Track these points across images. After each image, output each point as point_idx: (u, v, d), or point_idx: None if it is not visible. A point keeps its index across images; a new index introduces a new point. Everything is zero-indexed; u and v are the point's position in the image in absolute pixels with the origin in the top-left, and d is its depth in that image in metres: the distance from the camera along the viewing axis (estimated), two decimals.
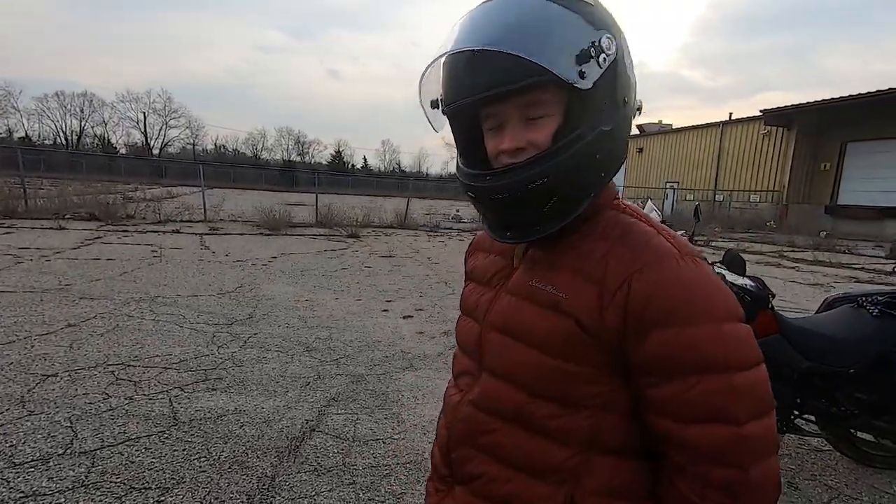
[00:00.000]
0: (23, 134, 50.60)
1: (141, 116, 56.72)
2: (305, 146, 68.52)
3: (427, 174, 66.76)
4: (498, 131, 0.62)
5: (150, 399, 2.65)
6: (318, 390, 2.93)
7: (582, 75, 0.56)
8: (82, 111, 54.57)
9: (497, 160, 0.63)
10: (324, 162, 67.75)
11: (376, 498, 1.95)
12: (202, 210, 13.03)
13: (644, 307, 0.57)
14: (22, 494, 1.81)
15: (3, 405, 2.45)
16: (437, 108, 0.67)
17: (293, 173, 43.84)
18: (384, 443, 2.38)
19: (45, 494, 1.82)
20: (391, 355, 3.63)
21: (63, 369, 2.94)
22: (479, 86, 0.59)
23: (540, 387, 0.63)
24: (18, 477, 1.90)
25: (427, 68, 0.64)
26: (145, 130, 57.34)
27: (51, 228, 9.21)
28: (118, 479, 1.94)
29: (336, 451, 2.27)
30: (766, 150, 20.37)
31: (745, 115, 21.81)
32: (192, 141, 60.38)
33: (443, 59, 0.62)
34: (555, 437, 0.62)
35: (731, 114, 27.70)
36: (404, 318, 4.70)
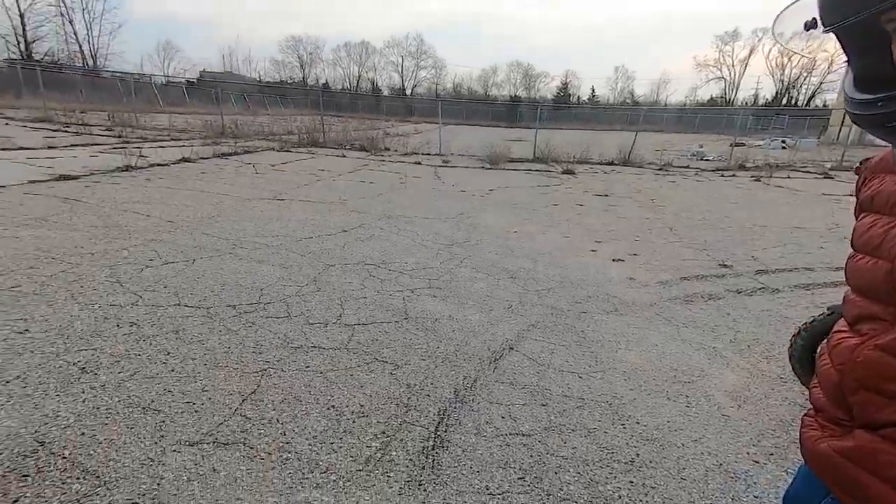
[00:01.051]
0: (324, 80, 64.16)
1: (399, 59, 65.08)
2: (532, 79, 67.50)
3: (666, 104, 58.14)
4: None
5: (390, 295, 3.20)
6: (518, 314, 3.03)
7: None
8: (360, 58, 65.57)
9: None
10: (549, 96, 65.82)
11: (567, 425, 1.94)
12: (438, 144, 14.44)
13: None
14: (312, 345, 2.45)
15: (304, 281, 3.32)
16: (814, 27, 0.57)
17: (518, 108, 44.04)
18: (579, 376, 2.33)
19: (324, 348, 2.42)
20: (594, 296, 3.46)
21: (338, 262, 3.78)
22: None
23: None
24: (311, 332, 2.58)
25: None
26: (402, 72, 65.64)
27: (336, 156, 11.66)
28: (367, 350, 2.43)
29: (531, 372, 2.34)
30: None
31: None
32: (435, 81, 66.52)
33: None
34: None
35: None
36: (614, 261, 4.37)
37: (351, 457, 1.65)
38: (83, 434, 1.66)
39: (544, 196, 7.82)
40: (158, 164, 7.57)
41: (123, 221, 4.35)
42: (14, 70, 19.83)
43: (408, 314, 2.91)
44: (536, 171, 11.15)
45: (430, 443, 1.76)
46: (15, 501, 1.36)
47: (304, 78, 61.59)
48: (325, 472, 1.56)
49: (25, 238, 3.65)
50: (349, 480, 1.55)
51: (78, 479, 1.46)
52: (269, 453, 1.63)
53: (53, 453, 1.56)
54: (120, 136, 10.84)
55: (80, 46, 39.39)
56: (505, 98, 63.56)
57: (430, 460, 1.67)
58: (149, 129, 13.10)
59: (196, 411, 1.83)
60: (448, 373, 2.28)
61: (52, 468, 1.50)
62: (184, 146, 10.09)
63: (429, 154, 13.50)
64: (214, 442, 1.67)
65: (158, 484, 1.46)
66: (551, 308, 3.18)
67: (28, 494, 1.40)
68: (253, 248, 3.94)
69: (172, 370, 2.10)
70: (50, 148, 8.14)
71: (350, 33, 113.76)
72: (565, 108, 44.82)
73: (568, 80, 66.76)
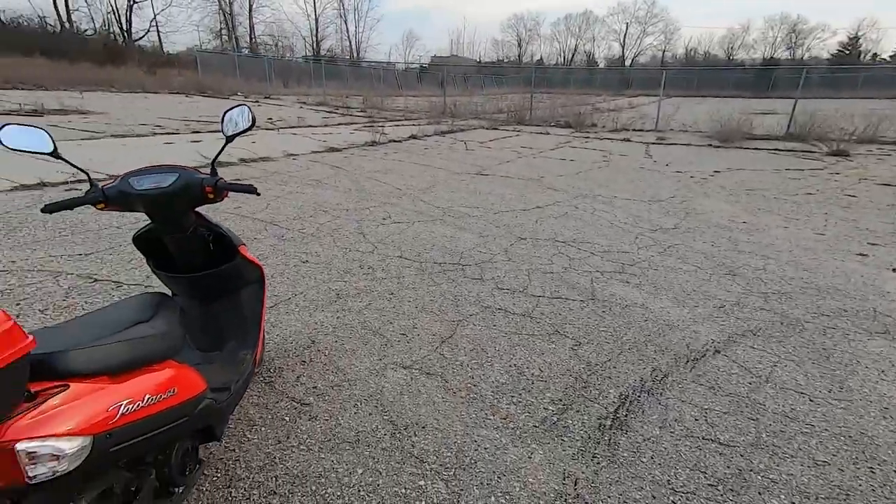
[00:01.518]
0: (538, 57, 64.00)
1: (622, 27, 59.92)
2: (801, 36, 53.28)
3: None
4: None
5: (578, 273, 3.19)
6: (732, 317, 2.65)
7: None
8: (579, 30, 62.86)
9: None
10: (825, 55, 50.99)
11: (784, 448, 1.67)
12: (655, 119, 12.98)
13: None
14: (500, 308, 2.67)
15: (497, 251, 3.58)
16: None
17: (772, 74, 35.57)
18: (810, 399, 1.95)
19: (510, 312, 2.61)
20: (852, 310, 2.74)
21: (530, 236, 3.93)
22: None
23: None
24: (499, 296, 2.81)
25: None
26: (623, 41, 60.32)
27: (540, 133, 11.70)
28: (549, 322, 2.53)
29: (741, 381, 2.06)
30: None
31: None
32: (663, 47, 59.02)
33: None
34: None
35: None
36: (894, 270, 3.34)
37: (528, 412, 1.80)
38: (336, 340, 2.24)
39: (794, 182, 6.36)
40: (394, 141, 8.96)
41: (368, 186, 5.38)
42: (308, 65, 25.93)
43: (595, 295, 2.87)
44: (788, 151, 9.05)
45: (608, 422, 1.77)
46: (298, 377, 1.96)
47: (519, 56, 62.57)
48: (504, 419, 1.75)
49: (308, 194, 4.89)
50: (525, 432, 1.70)
51: (332, 371, 2.00)
52: (460, 389, 1.91)
53: (319, 350, 2.16)
54: (370, 117, 13.17)
55: (350, 42, 48.59)
56: (755, 61, 52.11)
57: (605, 437, 1.69)
58: (389, 111, 15.51)
59: (408, 342, 2.25)
60: (634, 360, 2.20)
61: (317, 360, 2.09)
62: (413, 125, 11.63)
63: (641, 130, 12.31)
64: (420, 370, 2.04)
65: (381, 390, 1.89)
66: (782, 316, 2.67)
67: (302, 375, 1.99)
68: (458, 217, 4.40)
69: (394, 307, 2.60)
70: (325, 126, 10.50)
71: (570, 7, 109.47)
72: (849, 70, 34.15)
73: (860, 33, 50.31)
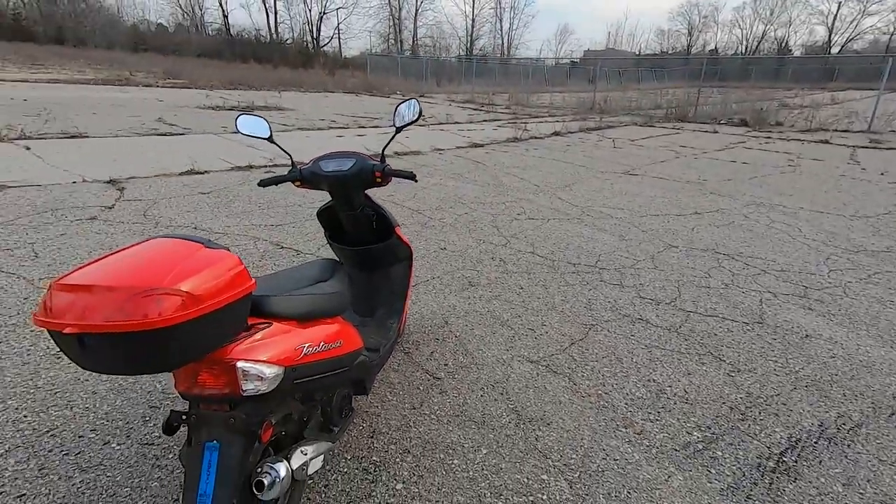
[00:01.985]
0: (712, 46, 56.64)
1: (833, 6, 49.43)
2: None
3: None
4: None
5: (742, 292, 2.75)
6: None
7: None
8: (771, 13, 53.82)
9: None
10: None
11: None
12: (867, 118, 10.46)
13: None
14: (640, 318, 2.45)
15: (641, 257, 3.29)
16: None
17: None
18: None
19: (652, 324, 2.38)
20: None
21: (682, 244, 3.51)
22: None
23: None
24: (641, 305, 2.58)
25: None
26: (832, 24, 49.74)
27: (705, 132, 10.35)
28: (700, 341, 2.23)
29: None
30: None
31: None
32: (891, 29, 46.99)
33: None
34: None
35: None
36: None
37: (667, 433, 1.63)
38: (466, 325, 2.31)
39: None
40: (535, 137, 8.85)
41: (505, 181, 5.42)
42: (460, 63, 27.18)
43: (763, 319, 2.44)
44: None
45: (770, 464, 1.51)
46: (432, 353, 2.08)
47: (688, 46, 56.13)
48: (639, 434, 1.61)
49: (450, 186, 5.14)
50: (663, 453, 1.54)
51: (461, 353, 2.08)
52: (589, 394, 1.81)
53: (451, 331, 2.26)
54: (514, 114, 13.24)
55: (502, 39, 49.46)
56: None
57: (766, 480, 1.45)
58: (534, 107, 15.36)
59: (536, 338, 2.22)
60: (813, 401, 1.82)
61: (448, 340, 2.18)
62: (557, 121, 11.33)
63: (846, 132, 10.06)
64: (547, 367, 1.99)
65: (506, 379, 1.90)
66: None
67: (436, 352, 2.10)
68: (598, 218, 4.15)
69: (523, 301, 2.58)
70: (470, 122, 10.88)
71: None
72: None
73: None
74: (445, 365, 1.99)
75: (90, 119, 7.28)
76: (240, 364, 0.92)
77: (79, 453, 1.43)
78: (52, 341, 1.71)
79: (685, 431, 1.63)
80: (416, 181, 1.58)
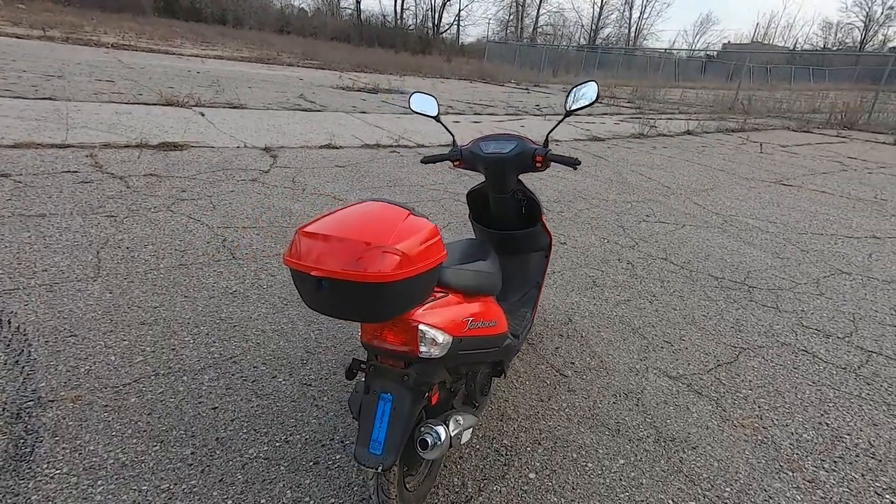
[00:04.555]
0: (894, 43, 47.61)
1: None
2: None
3: None
4: None
5: None
6: None
7: None
8: None
9: None
10: None
11: None
12: None
13: None
14: (804, 349, 2.13)
15: (802, 280, 2.86)
16: None
17: None
18: None
19: (821, 360, 2.06)
20: None
21: (858, 272, 2.98)
22: None
23: None
24: (803, 335, 2.24)
25: None
26: None
27: (882, 143, 8.74)
28: (889, 390, 1.88)
29: None
30: None
31: None
32: None
33: None
34: None
35: None
36: None
37: (848, 488, 1.39)
38: (592, 326, 2.20)
39: None
40: (664, 135, 8.17)
41: (631, 179, 5.08)
42: (580, 53, 26.09)
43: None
44: None
45: None
46: (557, 348, 2.02)
47: (861, 42, 47.72)
48: (810, 482, 1.40)
49: (568, 180, 4.95)
50: None
51: (588, 354, 1.98)
52: (743, 425, 1.62)
53: (576, 329, 2.17)
54: (638, 108, 12.38)
55: (629, 29, 46.48)
56: None
57: None
58: (662, 103, 14.22)
59: (673, 352, 2.03)
60: None
61: (573, 338, 2.10)
62: (690, 119, 10.36)
63: None
64: (689, 386, 1.81)
65: (641, 391, 1.77)
66: None
67: (560, 348, 2.03)
68: (744, 229, 3.70)
69: (656, 310, 2.39)
70: (589, 114, 10.40)
71: None
72: None
73: None
74: (572, 363, 1.91)
75: (247, 92, 8.25)
76: (421, 326, 0.95)
77: (254, 381, 1.64)
78: (278, 277, 1.93)
79: (873, 491, 1.38)
80: (578, 168, 1.51)
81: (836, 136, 9.45)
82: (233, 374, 1.67)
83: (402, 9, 36.69)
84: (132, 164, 3.81)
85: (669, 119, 10.35)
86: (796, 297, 2.61)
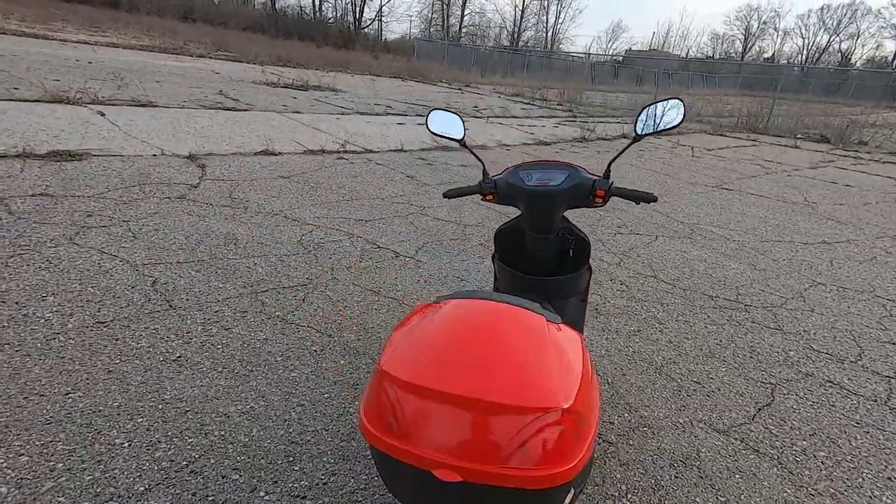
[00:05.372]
0: (769, 54, 54.06)
1: None
2: None
3: None
4: None
5: None
6: None
7: None
8: (837, 23, 51.01)
9: None
10: None
11: None
12: None
13: None
14: (830, 382, 2.05)
15: (787, 294, 2.86)
16: None
17: None
18: None
19: (845, 389, 1.98)
20: None
21: (828, 282, 3.06)
22: None
23: None
24: (822, 363, 2.17)
25: None
26: None
27: (785, 146, 9.65)
28: None
29: None
30: None
31: None
32: None
33: None
34: None
35: None
36: None
37: None
38: (615, 368, 1.95)
39: None
40: (603, 139, 8.35)
41: None
42: (503, 55, 26.47)
43: None
44: None
45: None
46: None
47: (742, 52, 53.74)
48: None
49: None
50: None
51: (624, 409, 1.73)
52: (819, 492, 1.44)
53: (602, 374, 1.91)
54: (570, 111, 12.68)
55: (546, 33, 48.23)
56: None
57: None
58: (588, 106, 14.74)
59: (707, 395, 1.84)
60: None
61: (602, 389, 1.83)
62: (619, 122, 10.77)
63: None
64: (742, 442, 1.61)
65: (697, 455, 1.53)
66: None
67: (607, 409, 1.75)
68: (712, 238, 3.72)
69: (669, 341, 2.21)
70: (528, 117, 10.42)
71: None
72: None
73: None
74: (611, 424, 1.64)
75: (156, 87, 7.14)
76: None
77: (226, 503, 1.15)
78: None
79: None
80: (655, 201, 1.22)
81: (748, 139, 10.31)
82: (193, 495, 1.19)
83: (320, 1, 35.06)
84: (13, 181, 2.98)
85: (601, 122, 10.69)
86: (793, 316, 2.57)
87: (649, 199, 1.22)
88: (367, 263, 2.62)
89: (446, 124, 1.38)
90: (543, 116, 10.92)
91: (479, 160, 1.38)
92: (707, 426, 1.67)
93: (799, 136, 11.15)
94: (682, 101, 1.19)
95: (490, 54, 25.98)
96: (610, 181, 1.25)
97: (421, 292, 2.39)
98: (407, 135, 6.50)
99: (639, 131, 1.23)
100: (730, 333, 2.33)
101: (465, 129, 1.38)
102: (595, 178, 1.26)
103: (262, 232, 2.81)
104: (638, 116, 1.23)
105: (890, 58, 46.50)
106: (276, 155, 4.51)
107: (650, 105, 1.23)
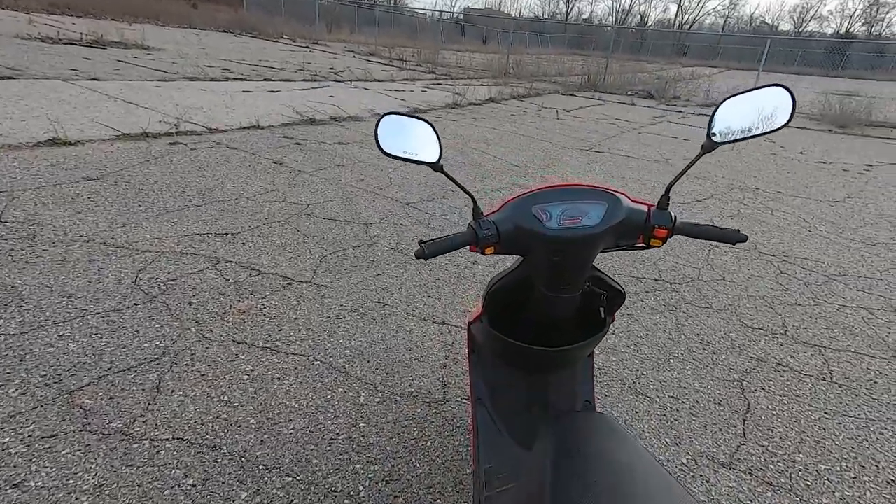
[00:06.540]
0: (586, 15, 59.94)
1: None
2: (885, 9, 48.63)
3: None
4: None
5: (844, 312, 2.51)
6: None
7: None
8: None
9: None
10: None
11: None
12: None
13: None
14: (784, 366, 2.03)
15: (699, 265, 2.90)
16: None
17: (845, 51, 32.75)
18: None
19: (810, 377, 1.98)
20: None
21: (722, 244, 3.23)
22: None
23: None
24: (764, 343, 2.16)
25: None
26: (680, 3, 55.98)
27: (625, 104, 10.63)
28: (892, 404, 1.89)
29: None
30: None
31: None
32: (725, 13, 54.76)
33: None
34: None
35: None
36: None
37: None
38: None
39: None
40: (474, 104, 8.11)
41: (478, 160, 4.67)
42: (350, 9, 24.45)
43: None
44: None
45: None
46: None
47: (567, 13, 58.74)
48: None
49: (415, 167, 4.23)
50: None
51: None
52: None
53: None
54: (432, 73, 12.19)
55: None
56: (825, 36, 47.98)
57: None
58: (447, 67, 14.41)
59: (690, 413, 1.64)
60: None
61: None
62: (482, 85, 10.67)
63: None
64: (750, 473, 1.43)
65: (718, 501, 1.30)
66: None
67: None
68: None
69: (627, 346, 1.99)
70: (392, 80, 9.65)
71: None
72: None
73: None
74: None
75: None
76: None
77: None
78: None
79: None
80: (744, 242, 0.81)
81: (594, 98, 11.13)
82: None
83: None
84: None
85: (467, 86, 10.48)
86: (712, 289, 2.58)
87: (735, 239, 0.82)
88: (250, 303, 1.87)
89: (408, 140, 0.84)
90: (408, 80, 10.26)
91: (467, 192, 0.83)
92: (709, 460, 1.45)
93: (629, 92, 12.45)
94: (787, 89, 0.77)
95: (334, 7, 23.77)
96: (673, 216, 0.83)
97: (339, 336, 1.76)
98: (260, 106, 5.34)
99: (717, 138, 0.79)
100: (673, 322, 2.21)
101: (440, 143, 0.84)
102: (645, 207, 0.82)
103: (66, 276, 1.82)
104: (715, 114, 0.79)
105: (673, 18, 55.66)
106: (71, 145, 3.18)
107: (736, 96, 0.79)
